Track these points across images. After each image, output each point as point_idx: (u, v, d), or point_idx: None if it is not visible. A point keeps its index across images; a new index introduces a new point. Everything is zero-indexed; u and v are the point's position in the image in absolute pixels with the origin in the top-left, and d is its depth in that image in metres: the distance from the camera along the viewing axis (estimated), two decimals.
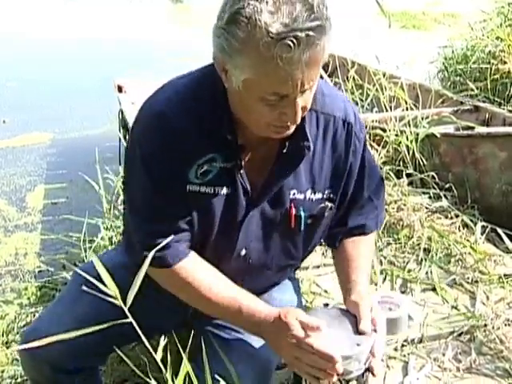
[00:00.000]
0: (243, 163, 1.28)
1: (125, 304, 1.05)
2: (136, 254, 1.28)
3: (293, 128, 1.24)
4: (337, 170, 1.39)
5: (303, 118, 1.26)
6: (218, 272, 1.32)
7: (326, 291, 2.03)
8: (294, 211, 1.35)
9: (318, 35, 1.04)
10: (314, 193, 1.37)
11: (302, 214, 1.36)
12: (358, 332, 1.26)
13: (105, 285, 1.06)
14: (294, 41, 1.02)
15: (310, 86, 1.13)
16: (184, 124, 1.24)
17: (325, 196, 1.38)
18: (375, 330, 1.25)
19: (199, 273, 1.30)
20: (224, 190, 1.28)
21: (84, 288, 1.24)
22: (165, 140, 1.24)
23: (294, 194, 1.34)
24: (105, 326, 1.09)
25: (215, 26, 1.12)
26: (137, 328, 1.08)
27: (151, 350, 1.10)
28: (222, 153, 1.26)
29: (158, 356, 1.09)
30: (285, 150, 1.29)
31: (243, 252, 1.36)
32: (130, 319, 1.06)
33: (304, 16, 1.03)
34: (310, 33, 1.03)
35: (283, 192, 1.33)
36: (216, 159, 1.26)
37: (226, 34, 1.08)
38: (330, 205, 1.40)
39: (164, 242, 1.23)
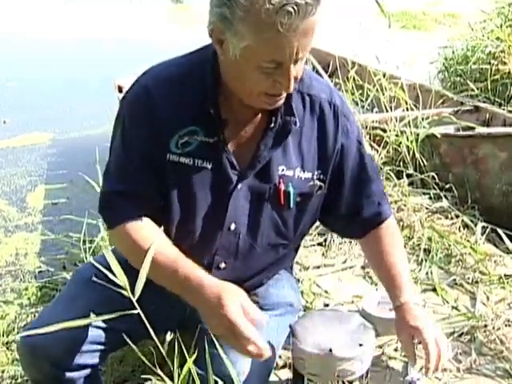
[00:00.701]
0: (228, 138, 1.34)
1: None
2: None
3: (282, 100, 1.30)
4: (326, 151, 1.43)
5: (290, 96, 1.32)
6: (164, 235, 1.36)
7: (326, 291, 2.03)
8: (282, 187, 1.38)
9: (316, 3, 1.12)
10: (304, 171, 1.41)
11: (291, 190, 1.39)
12: (347, 322, 1.27)
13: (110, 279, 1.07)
14: (295, 7, 1.09)
15: (303, 54, 1.19)
16: (165, 97, 1.31)
17: (315, 176, 1.42)
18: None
19: (144, 232, 1.33)
20: (208, 165, 1.34)
21: (94, 279, 1.28)
22: (146, 111, 1.32)
23: (282, 170, 1.38)
24: (107, 317, 1.14)
25: None
26: (144, 319, 1.09)
27: (158, 343, 1.11)
28: (204, 127, 1.32)
29: (164, 350, 1.10)
30: (272, 125, 1.34)
31: (233, 226, 1.39)
32: (138, 310, 1.09)
33: None
34: (309, 1, 1.10)
35: (272, 168, 1.37)
36: (197, 132, 1.32)
37: (228, 3, 1.13)
38: (319, 184, 1.44)
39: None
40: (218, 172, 1.34)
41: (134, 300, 1.08)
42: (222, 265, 1.44)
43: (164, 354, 1.12)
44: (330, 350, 1.23)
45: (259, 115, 1.36)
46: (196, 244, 1.39)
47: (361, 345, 1.21)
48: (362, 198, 1.51)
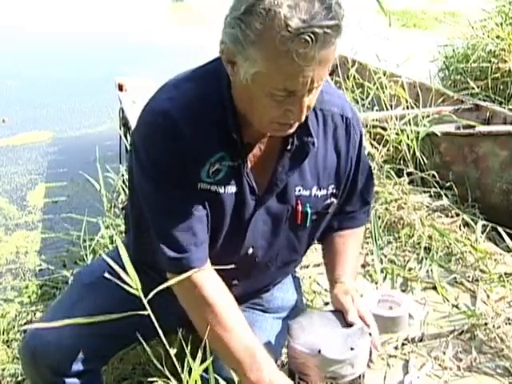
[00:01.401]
0: (247, 161, 1.28)
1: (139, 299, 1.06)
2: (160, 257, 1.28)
3: (294, 127, 1.24)
4: (340, 166, 1.40)
5: (306, 116, 1.25)
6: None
7: (326, 290, 2.02)
8: (300, 208, 1.35)
9: (335, 34, 1.05)
10: (320, 189, 1.38)
11: (309, 210, 1.36)
12: (347, 326, 1.27)
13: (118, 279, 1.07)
14: (312, 37, 1.02)
15: (318, 84, 1.13)
16: (190, 123, 1.22)
17: (329, 192, 1.39)
18: (367, 326, 1.27)
19: (212, 287, 1.26)
20: (232, 189, 1.28)
21: (107, 275, 1.24)
22: (172, 141, 1.21)
23: (299, 190, 1.35)
24: (100, 319, 1.12)
25: (229, 17, 1.10)
26: (154, 321, 1.08)
27: (166, 344, 1.11)
28: (229, 151, 1.25)
29: (173, 351, 1.09)
30: (289, 147, 1.29)
31: (250, 251, 1.36)
32: (149, 311, 1.08)
33: (322, 14, 1.03)
34: (328, 31, 1.03)
35: (289, 189, 1.34)
36: (225, 158, 1.25)
37: (241, 25, 1.07)
38: (334, 200, 1.42)
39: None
40: (240, 197, 1.29)
41: (145, 301, 1.06)
42: (235, 282, 1.41)
43: (172, 355, 1.11)
44: (319, 351, 1.21)
45: (276, 137, 1.30)
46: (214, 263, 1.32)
47: (352, 349, 1.20)
48: (344, 207, 1.50)
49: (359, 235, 1.58)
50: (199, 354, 1.15)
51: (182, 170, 1.22)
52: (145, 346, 1.26)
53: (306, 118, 1.27)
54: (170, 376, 1.19)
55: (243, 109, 1.22)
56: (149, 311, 1.07)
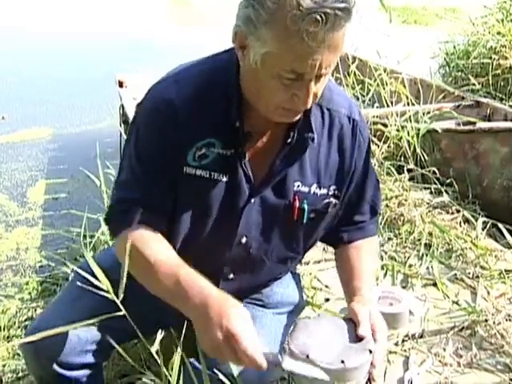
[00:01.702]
0: (246, 151, 1.29)
1: (118, 297, 1.06)
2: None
3: (299, 115, 1.25)
4: (343, 167, 1.40)
5: (309, 110, 1.27)
6: (169, 246, 1.28)
7: (326, 286, 2.03)
8: (297, 204, 1.35)
9: (345, 17, 1.06)
10: (320, 188, 1.37)
11: (306, 207, 1.36)
12: (356, 339, 1.22)
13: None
14: (323, 16, 1.03)
15: (326, 71, 1.14)
16: (187, 107, 1.26)
17: (330, 192, 1.39)
18: (375, 340, 1.20)
19: (147, 241, 1.26)
20: (224, 178, 1.29)
21: (78, 283, 1.27)
22: (165, 126, 1.26)
23: (298, 186, 1.35)
24: (99, 319, 1.13)
25: None
26: (130, 320, 1.08)
27: (146, 344, 1.11)
28: (222, 139, 1.27)
29: (154, 349, 1.09)
30: (289, 140, 1.30)
31: (244, 240, 1.36)
32: (123, 312, 1.07)
33: None
34: (338, 13, 1.04)
35: (288, 183, 1.34)
36: (214, 144, 1.28)
37: (255, 4, 1.09)
38: (334, 201, 1.40)
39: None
40: (233, 185, 1.31)
41: (118, 302, 1.07)
42: (231, 276, 1.42)
43: (154, 354, 1.11)
44: (307, 356, 1.19)
45: (278, 128, 1.31)
46: (205, 255, 1.34)
47: (342, 361, 1.16)
48: (353, 217, 1.49)
49: (373, 245, 1.54)
50: (179, 349, 1.15)
51: (168, 151, 1.27)
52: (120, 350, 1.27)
53: (309, 113, 1.28)
54: (168, 373, 1.18)
55: (250, 95, 1.23)
56: (124, 312, 1.09)
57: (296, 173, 1.34)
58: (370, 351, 1.17)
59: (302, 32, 1.05)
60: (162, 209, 1.30)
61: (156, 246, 1.25)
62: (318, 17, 1.03)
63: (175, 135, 1.26)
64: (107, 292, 1.09)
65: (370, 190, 1.49)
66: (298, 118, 1.26)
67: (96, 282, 1.12)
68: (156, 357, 1.11)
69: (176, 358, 1.14)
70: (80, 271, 1.32)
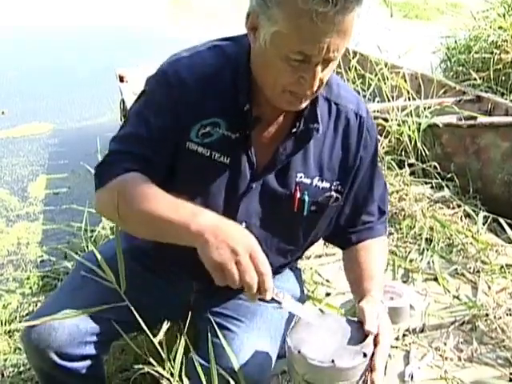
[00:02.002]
0: (255, 135, 1.30)
1: (121, 288, 1.06)
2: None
3: (305, 103, 1.26)
4: (346, 162, 1.40)
5: (316, 101, 1.29)
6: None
7: (327, 280, 2.03)
8: (298, 194, 1.36)
9: (355, 1, 1.07)
10: (322, 181, 1.38)
11: (306, 198, 1.37)
12: (357, 341, 1.20)
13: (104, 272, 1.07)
14: None
15: (334, 56, 1.15)
16: (198, 85, 1.27)
17: (333, 187, 1.40)
18: (377, 342, 1.18)
19: (141, 181, 1.23)
20: (225, 160, 1.30)
21: (83, 273, 1.26)
22: (175, 90, 1.27)
23: (300, 177, 1.36)
24: (100, 308, 1.15)
25: None
26: (133, 310, 1.08)
27: (150, 335, 1.10)
28: (228, 121, 1.29)
29: (157, 339, 1.09)
30: (294, 130, 1.31)
31: (243, 225, 1.36)
32: (126, 302, 1.07)
33: None
34: None
35: (290, 173, 1.35)
36: (220, 125, 1.29)
37: None
38: (336, 196, 1.41)
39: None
40: (235, 169, 1.32)
41: (121, 292, 1.07)
42: None
43: (157, 345, 1.11)
44: (299, 351, 1.19)
45: (284, 117, 1.33)
46: None
47: (333, 361, 1.16)
48: (361, 217, 1.49)
49: (382, 245, 1.52)
50: (182, 340, 1.15)
51: (173, 120, 1.27)
52: (129, 341, 1.27)
53: (316, 104, 1.30)
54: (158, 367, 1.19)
55: (258, 77, 1.25)
56: (127, 302, 1.08)
57: (299, 164, 1.35)
58: (365, 355, 1.16)
59: (312, 12, 1.06)
60: (157, 169, 1.29)
61: (151, 185, 1.22)
62: None
63: (182, 108, 1.27)
64: (110, 282, 1.08)
65: (378, 190, 1.50)
66: (303, 106, 1.27)
67: (100, 272, 1.12)
68: (159, 348, 1.11)
69: (179, 348, 1.14)
70: (83, 261, 1.34)
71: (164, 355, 1.12)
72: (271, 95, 1.25)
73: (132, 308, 1.08)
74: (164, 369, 1.14)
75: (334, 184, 1.40)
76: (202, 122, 1.28)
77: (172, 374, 1.13)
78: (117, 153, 1.30)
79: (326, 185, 1.39)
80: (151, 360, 1.17)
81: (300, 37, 1.11)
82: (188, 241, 1.11)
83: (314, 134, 1.33)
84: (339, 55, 1.16)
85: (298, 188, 1.36)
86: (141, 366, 1.25)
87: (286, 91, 1.21)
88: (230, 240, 1.08)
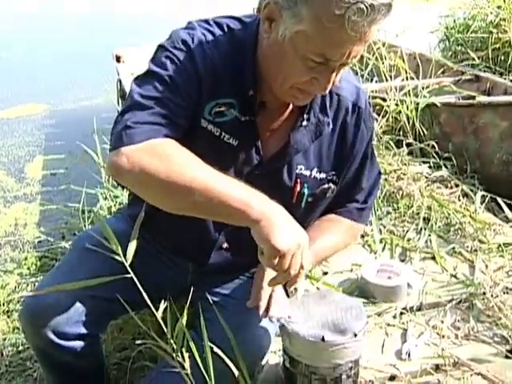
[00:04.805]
0: (259, 122, 1.29)
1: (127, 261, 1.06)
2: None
3: (309, 99, 1.26)
4: (343, 153, 1.41)
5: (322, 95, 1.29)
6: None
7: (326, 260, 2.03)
8: (298, 188, 1.37)
9: (385, 13, 1.07)
10: (320, 172, 1.39)
11: (306, 191, 1.38)
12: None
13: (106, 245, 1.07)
14: (369, 8, 1.04)
15: (351, 61, 1.15)
16: (220, 65, 1.24)
17: (329, 177, 1.41)
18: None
19: (178, 148, 1.15)
20: (234, 142, 1.29)
21: (86, 245, 1.25)
22: (202, 55, 1.22)
23: (301, 169, 1.36)
24: (106, 279, 1.11)
25: None
26: (137, 282, 1.08)
27: (153, 309, 1.11)
28: (241, 103, 1.27)
29: (159, 314, 1.09)
30: (305, 123, 1.32)
31: None
32: (132, 275, 1.07)
33: None
34: (382, 7, 1.05)
35: (292, 165, 1.35)
36: (234, 106, 1.27)
37: None
38: (332, 186, 1.42)
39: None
40: (241, 152, 1.31)
41: (127, 264, 1.06)
42: (225, 245, 1.43)
43: (159, 319, 1.11)
44: (283, 325, 1.24)
45: (292, 106, 1.33)
46: (200, 220, 1.29)
47: (323, 338, 1.19)
48: (345, 202, 1.51)
49: (346, 227, 1.53)
50: (184, 316, 1.15)
51: (190, 85, 1.21)
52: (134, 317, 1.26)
53: (324, 97, 1.30)
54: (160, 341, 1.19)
55: (268, 68, 1.23)
56: (132, 275, 1.07)
57: (300, 155, 1.35)
58: (356, 334, 1.20)
59: (345, 18, 1.04)
60: (180, 129, 1.21)
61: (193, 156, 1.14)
62: (364, 7, 1.03)
63: (202, 80, 1.22)
64: (116, 254, 1.08)
65: (368, 181, 1.52)
66: (307, 102, 1.27)
67: (106, 244, 1.10)
68: (161, 323, 1.11)
69: (180, 321, 1.14)
70: (91, 233, 1.34)
71: (167, 329, 1.12)
72: (277, 89, 1.23)
73: (135, 279, 1.07)
74: (167, 343, 1.14)
75: (330, 174, 1.41)
76: (218, 100, 1.26)
77: (174, 349, 1.13)
78: (146, 110, 1.18)
79: (323, 175, 1.40)
80: (153, 335, 1.17)
81: (325, 41, 1.09)
82: (243, 217, 1.10)
83: (324, 128, 1.33)
84: (356, 59, 1.17)
85: (298, 181, 1.36)
86: (142, 341, 1.25)
87: (294, 87, 1.20)
88: (297, 232, 1.11)
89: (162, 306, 1.10)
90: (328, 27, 1.07)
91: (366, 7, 1.03)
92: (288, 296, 1.23)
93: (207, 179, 1.10)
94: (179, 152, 1.13)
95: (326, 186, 1.41)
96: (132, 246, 1.09)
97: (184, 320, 1.14)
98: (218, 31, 1.27)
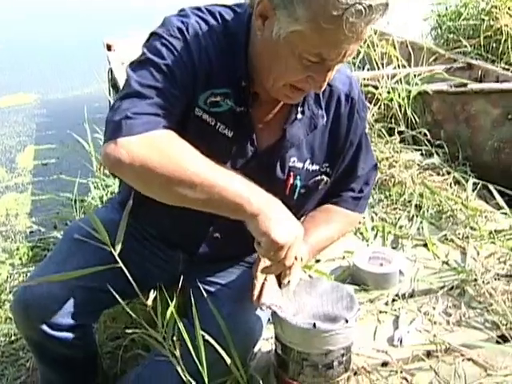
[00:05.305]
0: (254, 113, 1.28)
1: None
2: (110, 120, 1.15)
3: (301, 98, 1.26)
4: (336, 145, 1.40)
5: None
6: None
7: None
8: (291, 180, 1.36)
9: (382, 13, 1.06)
10: (312, 163, 1.38)
11: (298, 183, 1.38)
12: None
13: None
14: (367, 9, 1.03)
15: (346, 60, 1.14)
16: (214, 55, 1.22)
17: (322, 169, 1.40)
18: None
19: (178, 141, 1.13)
20: (229, 133, 1.28)
21: (76, 236, 1.24)
22: (192, 52, 1.19)
23: (294, 161, 1.36)
24: (98, 269, 1.11)
25: None
26: (126, 272, 1.08)
27: (143, 298, 1.11)
28: (236, 92, 1.25)
29: (149, 301, 1.09)
30: (299, 116, 1.31)
31: None
32: (120, 264, 1.07)
33: None
34: (380, 7, 1.04)
35: (285, 158, 1.34)
36: (230, 96, 1.25)
37: None
38: (325, 178, 1.42)
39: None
40: (236, 144, 1.30)
41: (115, 254, 1.06)
42: (216, 234, 1.42)
43: (150, 308, 1.11)
44: (274, 312, 1.25)
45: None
46: (191, 209, 1.24)
47: (314, 325, 1.20)
48: (341, 192, 1.51)
49: (342, 216, 1.52)
50: (174, 303, 1.15)
51: (186, 76, 1.19)
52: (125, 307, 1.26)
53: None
54: (157, 335, 1.19)
55: (260, 65, 1.22)
56: (121, 264, 1.07)
57: (293, 147, 1.34)
58: (347, 320, 1.21)
59: (343, 19, 1.03)
60: (174, 119, 1.19)
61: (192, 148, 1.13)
62: (362, 8, 1.02)
63: (197, 69, 1.20)
64: (105, 244, 1.08)
65: (363, 170, 1.51)
66: (298, 100, 1.27)
67: (96, 235, 1.10)
68: (152, 312, 1.11)
69: (170, 309, 1.14)
70: (81, 224, 1.33)
71: (157, 318, 1.12)
72: (270, 86, 1.22)
73: (124, 269, 1.07)
74: (158, 332, 1.14)
75: (324, 166, 1.40)
76: (213, 90, 1.24)
77: (164, 338, 1.13)
78: (145, 100, 1.15)
79: (316, 167, 1.39)
80: (144, 325, 1.17)
81: (322, 41, 1.08)
82: (242, 212, 1.11)
83: (319, 121, 1.33)
84: (351, 58, 1.16)
85: (291, 173, 1.36)
86: (134, 331, 1.25)
87: (287, 85, 1.19)
88: (293, 225, 1.14)
89: (152, 295, 1.10)
90: (325, 28, 1.05)
91: (365, 8, 1.02)
92: (280, 287, 1.23)
93: (208, 174, 1.10)
94: (179, 145, 1.13)
95: (319, 177, 1.41)
96: (120, 235, 1.09)
97: (173, 308, 1.14)
98: (211, 20, 1.25)
